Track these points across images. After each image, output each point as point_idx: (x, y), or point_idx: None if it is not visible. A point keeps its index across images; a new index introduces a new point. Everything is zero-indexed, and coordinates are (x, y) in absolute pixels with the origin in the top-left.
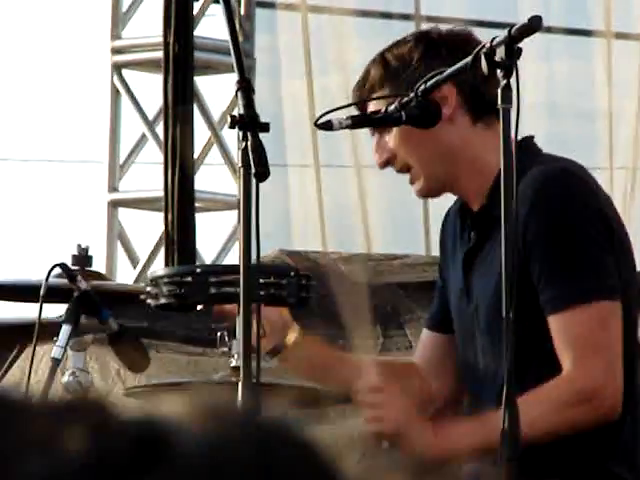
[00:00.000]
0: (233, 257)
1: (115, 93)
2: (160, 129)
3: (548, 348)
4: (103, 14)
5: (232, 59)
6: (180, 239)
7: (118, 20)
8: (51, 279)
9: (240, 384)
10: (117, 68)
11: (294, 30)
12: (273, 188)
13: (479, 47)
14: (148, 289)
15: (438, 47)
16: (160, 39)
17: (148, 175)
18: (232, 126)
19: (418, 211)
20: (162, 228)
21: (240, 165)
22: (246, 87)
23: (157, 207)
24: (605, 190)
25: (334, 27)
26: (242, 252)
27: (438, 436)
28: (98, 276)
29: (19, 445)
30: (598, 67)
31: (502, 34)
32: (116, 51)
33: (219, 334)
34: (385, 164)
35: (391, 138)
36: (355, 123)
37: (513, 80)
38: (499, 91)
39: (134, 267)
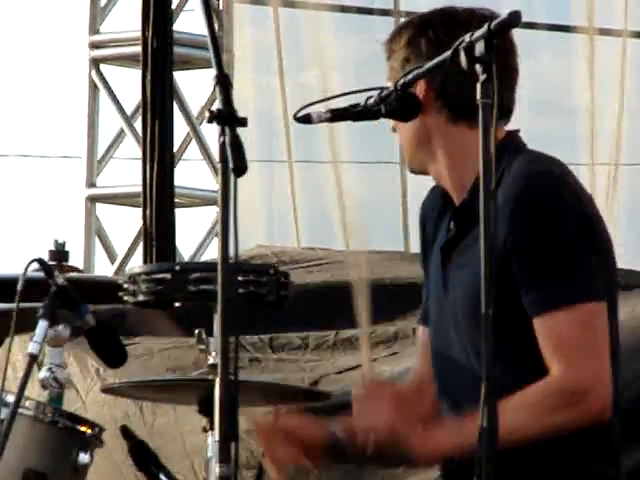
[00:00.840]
0: (212, 252)
1: (93, 88)
2: (138, 124)
3: (525, 348)
4: (81, 9)
5: (210, 53)
6: (158, 235)
7: (96, 15)
8: (29, 274)
9: (217, 382)
10: (95, 63)
11: (268, 25)
12: (254, 183)
13: (458, 42)
14: (126, 286)
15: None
16: (138, 34)
17: (126, 170)
18: (210, 121)
19: (397, 207)
20: (140, 223)
21: (219, 160)
22: (224, 82)
23: (135, 202)
24: (587, 186)
25: (310, 22)
26: (220, 248)
27: (425, 438)
28: (76, 271)
29: None
30: (580, 63)
31: (482, 29)
32: (94, 46)
33: (197, 331)
34: (394, 130)
35: None
36: (334, 116)
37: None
38: (478, 85)
39: (112, 262)
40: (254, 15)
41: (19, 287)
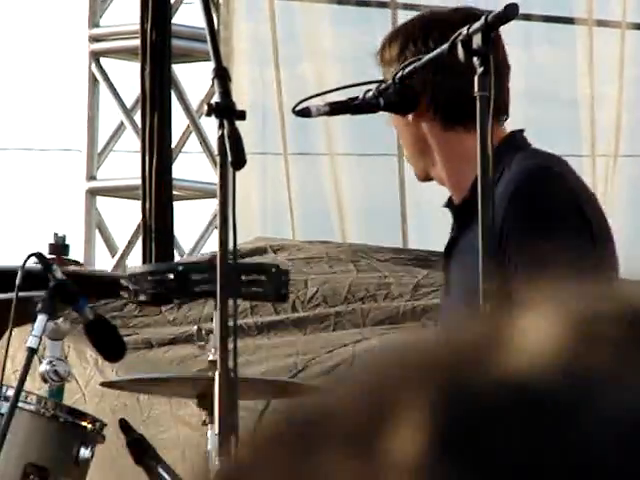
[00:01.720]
0: (211, 244)
1: (93, 81)
2: (138, 117)
3: None
4: (81, 2)
5: (208, 46)
6: (158, 227)
7: (96, 8)
8: (29, 266)
9: (217, 378)
10: (95, 56)
11: (264, 17)
12: (250, 175)
13: (455, 35)
14: (128, 286)
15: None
16: (138, 27)
17: (126, 163)
18: (209, 114)
19: (395, 201)
20: (140, 216)
21: (217, 153)
22: (223, 75)
23: (136, 195)
24: (587, 177)
25: (306, 15)
26: (220, 242)
27: None
28: (76, 264)
29: None
30: (579, 54)
31: (479, 22)
32: (94, 39)
33: (195, 328)
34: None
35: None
36: (333, 110)
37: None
38: (475, 78)
39: (112, 256)
40: (250, 7)
41: (17, 281)
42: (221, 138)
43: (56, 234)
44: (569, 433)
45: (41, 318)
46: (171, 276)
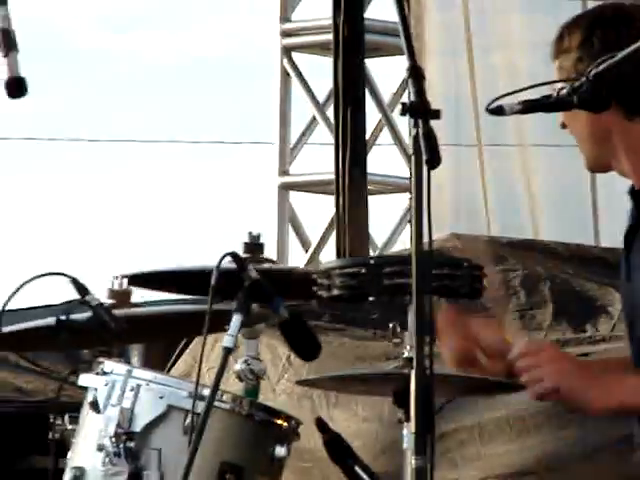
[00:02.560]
0: (405, 239)
1: (285, 76)
2: (330, 112)
3: None
4: None
5: (402, 43)
6: (352, 222)
7: (287, 3)
8: (224, 266)
9: (413, 375)
10: (287, 51)
11: (454, 9)
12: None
13: None
14: (320, 281)
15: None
16: (330, 22)
17: (319, 158)
18: (403, 113)
19: (586, 195)
20: (333, 211)
21: (412, 152)
22: (417, 74)
23: (328, 190)
24: None
25: (496, 5)
26: (414, 242)
27: (604, 390)
28: (270, 263)
29: None
30: None
31: None
32: (286, 34)
33: (391, 325)
34: (562, 126)
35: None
36: (527, 108)
37: None
38: None
39: (305, 251)
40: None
41: (212, 281)
42: (416, 137)
43: (250, 233)
44: None
45: (236, 317)
46: (363, 270)
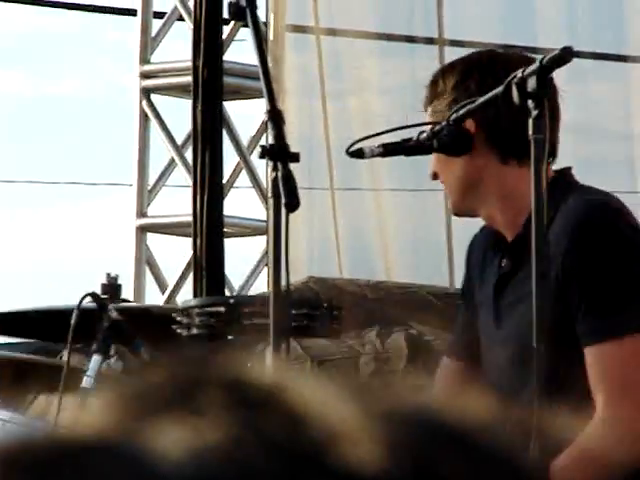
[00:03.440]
0: (262, 282)
1: (144, 117)
2: (189, 154)
3: (581, 378)
4: (132, 39)
5: (262, 85)
6: (209, 264)
7: (147, 45)
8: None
9: None
10: (146, 92)
11: (310, 52)
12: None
13: (510, 77)
14: (179, 319)
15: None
16: (189, 64)
17: (177, 200)
18: (262, 156)
19: (441, 236)
20: (191, 253)
21: (270, 195)
22: (277, 117)
23: (186, 232)
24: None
25: (351, 49)
26: (272, 284)
27: None
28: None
29: None
30: (633, 90)
31: (533, 64)
32: (145, 76)
33: None
34: (433, 177)
35: (433, 157)
36: (387, 151)
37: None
38: (530, 121)
39: (162, 292)
40: (298, 42)
41: (73, 320)
42: (275, 180)
43: (108, 274)
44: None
45: (95, 359)
46: (222, 309)
